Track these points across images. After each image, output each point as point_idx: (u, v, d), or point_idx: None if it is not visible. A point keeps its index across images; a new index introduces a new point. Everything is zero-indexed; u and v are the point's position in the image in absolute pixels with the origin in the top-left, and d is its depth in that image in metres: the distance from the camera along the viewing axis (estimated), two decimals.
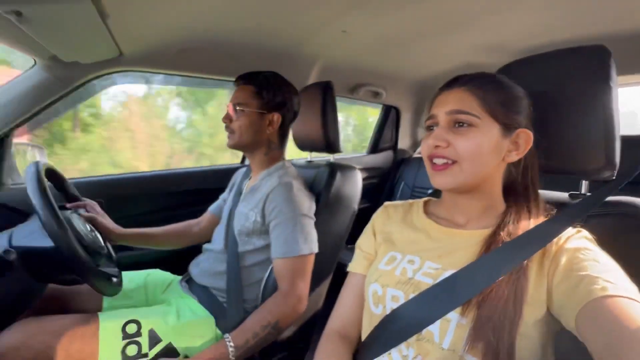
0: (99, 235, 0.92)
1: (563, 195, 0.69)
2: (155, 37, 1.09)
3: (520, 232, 0.53)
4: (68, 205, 0.97)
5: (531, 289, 0.49)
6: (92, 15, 0.79)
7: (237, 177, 1.20)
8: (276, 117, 1.02)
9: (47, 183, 0.76)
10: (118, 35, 0.98)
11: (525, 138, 0.57)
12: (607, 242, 0.53)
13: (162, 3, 0.89)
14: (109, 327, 0.82)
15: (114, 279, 0.83)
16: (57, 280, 0.84)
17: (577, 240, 0.51)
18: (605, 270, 0.45)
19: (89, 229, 0.89)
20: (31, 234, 0.75)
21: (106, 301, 0.99)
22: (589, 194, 0.66)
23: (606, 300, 0.40)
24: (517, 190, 0.61)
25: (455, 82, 0.59)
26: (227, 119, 1.01)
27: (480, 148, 0.54)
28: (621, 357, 0.36)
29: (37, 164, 0.77)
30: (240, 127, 0.99)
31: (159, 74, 1.22)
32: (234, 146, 1.02)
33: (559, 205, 0.65)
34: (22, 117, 1.07)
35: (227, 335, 0.82)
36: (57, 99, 1.09)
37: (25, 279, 0.77)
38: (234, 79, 1.06)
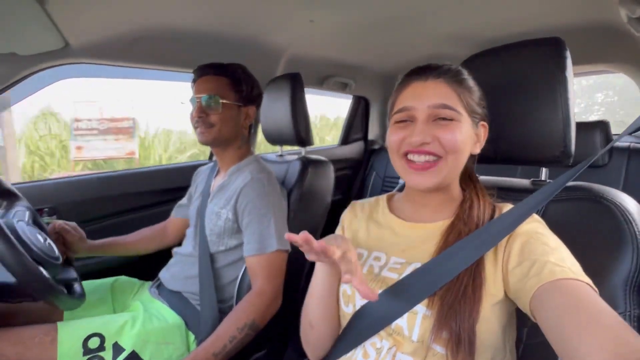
0: (51, 242, 0.84)
1: (525, 182, 0.72)
2: (105, 26, 1.00)
3: (474, 217, 0.55)
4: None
5: (488, 276, 0.51)
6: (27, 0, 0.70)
7: (199, 176, 1.14)
8: (251, 110, 1.01)
9: None
10: (62, 23, 0.88)
11: (484, 130, 0.59)
12: (566, 226, 0.55)
13: None
14: (68, 342, 0.76)
15: (75, 290, 0.76)
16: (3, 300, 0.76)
17: (528, 225, 0.52)
18: (552, 252, 0.47)
19: (39, 237, 0.81)
20: None
21: (67, 313, 0.91)
22: (549, 180, 0.70)
23: (555, 283, 0.43)
24: (465, 177, 0.63)
25: (429, 72, 0.55)
26: (202, 112, 0.93)
27: (463, 142, 0.53)
28: (569, 336, 0.39)
29: None
30: (221, 120, 0.94)
31: (111, 66, 1.13)
32: (212, 142, 0.97)
33: (522, 191, 0.68)
34: None
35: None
36: None
37: None
38: (192, 71, 1.00)
